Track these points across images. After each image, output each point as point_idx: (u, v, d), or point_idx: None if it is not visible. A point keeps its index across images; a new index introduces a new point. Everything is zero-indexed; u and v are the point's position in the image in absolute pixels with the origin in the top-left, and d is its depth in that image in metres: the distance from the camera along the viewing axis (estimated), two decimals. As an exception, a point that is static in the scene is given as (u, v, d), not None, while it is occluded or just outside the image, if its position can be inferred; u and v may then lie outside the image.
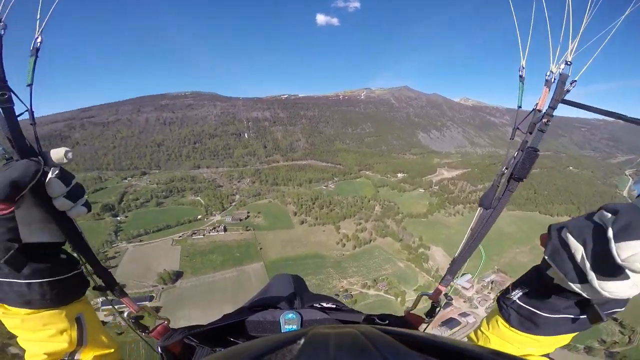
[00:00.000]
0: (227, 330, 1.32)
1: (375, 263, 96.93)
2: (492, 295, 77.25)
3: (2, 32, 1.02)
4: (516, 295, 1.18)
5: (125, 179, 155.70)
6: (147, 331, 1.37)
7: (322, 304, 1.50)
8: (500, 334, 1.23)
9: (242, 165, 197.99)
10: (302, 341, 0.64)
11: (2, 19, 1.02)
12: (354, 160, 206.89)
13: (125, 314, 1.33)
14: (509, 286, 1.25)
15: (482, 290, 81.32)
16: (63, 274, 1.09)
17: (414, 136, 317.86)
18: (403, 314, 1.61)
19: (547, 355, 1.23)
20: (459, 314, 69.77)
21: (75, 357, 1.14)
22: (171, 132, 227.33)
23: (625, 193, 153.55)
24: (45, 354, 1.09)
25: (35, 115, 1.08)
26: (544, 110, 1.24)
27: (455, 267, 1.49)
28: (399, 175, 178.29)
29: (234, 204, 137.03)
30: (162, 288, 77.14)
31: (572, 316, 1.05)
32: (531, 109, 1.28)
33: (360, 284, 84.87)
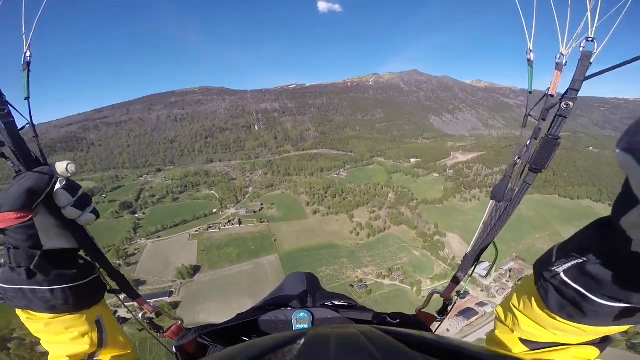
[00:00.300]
0: (240, 329, 1.34)
1: (390, 252, 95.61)
2: (511, 284, 74.85)
3: (29, 58, 1.13)
4: (562, 266, 0.83)
5: (142, 176, 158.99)
6: (161, 331, 1.42)
7: (334, 302, 1.51)
8: (534, 315, 0.97)
9: (254, 157, 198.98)
10: (302, 341, 0.64)
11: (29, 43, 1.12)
12: (365, 147, 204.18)
13: (140, 315, 1.39)
14: (551, 250, 0.91)
15: (500, 279, 78.85)
16: (83, 278, 1.14)
17: (426, 120, 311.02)
18: (415, 312, 1.57)
19: (595, 343, 0.94)
20: (476, 304, 67.89)
21: (95, 359, 1.19)
22: (183, 128, 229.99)
23: None
24: (67, 356, 1.13)
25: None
26: (560, 94, 1.13)
27: (467, 264, 1.43)
28: (412, 160, 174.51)
29: (247, 196, 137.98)
30: (181, 283, 78.24)
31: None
32: (543, 94, 1.18)
33: (375, 274, 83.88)
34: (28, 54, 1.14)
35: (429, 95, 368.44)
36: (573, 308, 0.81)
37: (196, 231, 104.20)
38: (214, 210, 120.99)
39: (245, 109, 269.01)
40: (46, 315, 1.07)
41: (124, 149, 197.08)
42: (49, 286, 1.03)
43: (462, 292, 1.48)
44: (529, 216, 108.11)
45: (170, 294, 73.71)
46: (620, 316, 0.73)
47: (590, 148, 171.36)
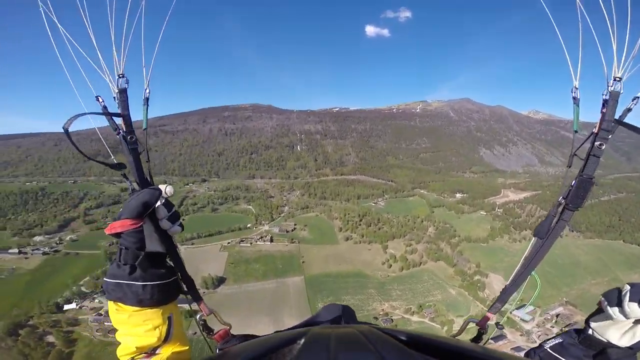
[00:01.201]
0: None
1: (424, 288, 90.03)
2: (556, 330, 68.02)
3: (126, 86, 1.42)
4: (550, 343, 1.16)
5: (187, 184, 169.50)
6: (211, 333, 1.61)
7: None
8: None
9: (293, 177, 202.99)
10: (302, 341, 0.67)
11: (123, 74, 1.41)
12: (407, 177, 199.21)
13: (198, 316, 1.64)
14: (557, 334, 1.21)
15: (545, 324, 71.75)
16: (167, 278, 1.44)
17: (476, 152, 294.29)
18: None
19: None
20: (511, 348, 60.36)
21: (157, 352, 1.40)
22: (231, 143, 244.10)
23: None
24: (136, 347, 1.35)
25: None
26: (589, 134, 1.18)
27: (505, 296, 1.50)
28: (458, 195, 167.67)
29: (282, 215, 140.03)
30: (204, 292, 78.04)
31: None
32: (589, 134, 1.20)
33: (404, 309, 79.20)
34: (148, 90, 1.47)
35: (480, 125, 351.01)
36: None
37: (228, 243, 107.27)
38: (249, 225, 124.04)
39: (290, 128, 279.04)
40: (131, 308, 1.34)
41: (175, 157, 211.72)
42: (142, 282, 1.34)
43: (500, 323, 1.57)
44: (586, 260, 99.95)
45: (191, 301, 76.24)
46: None
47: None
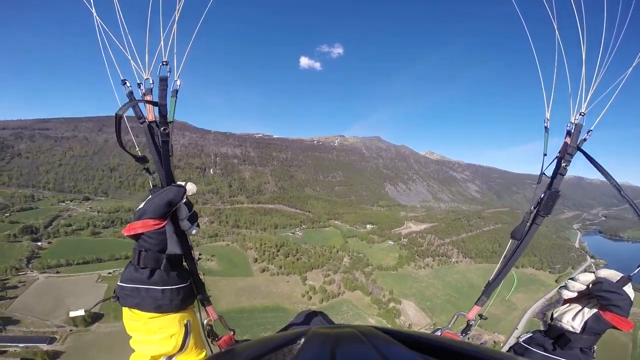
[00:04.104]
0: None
1: (344, 319, 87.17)
2: None
3: (168, 74, 1.38)
4: (523, 337, 1.46)
5: (63, 201, 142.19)
6: (217, 338, 1.51)
7: None
8: None
9: (201, 202, 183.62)
10: (301, 341, 0.65)
11: (167, 61, 1.38)
12: (323, 209, 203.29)
13: (205, 321, 1.51)
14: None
15: None
16: (184, 282, 1.33)
17: (382, 188, 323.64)
18: (439, 333, 1.70)
19: None
20: None
21: None
22: (129, 158, 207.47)
23: (576, 244, 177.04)
24: (151, 356, 1.25)
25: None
26: (553, 157, 1.45)
27: (490, 289, 1.69)
28: (368, 226, 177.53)
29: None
30: (71, 330, 65.88)
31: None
32: (554, 157, 1.46)
33: (327, 343, 73.63)
34: (178, 82, 1.40)
35: (387, 163, 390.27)
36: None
37: (110, 273, 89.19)
38: None
39: (204, 149, 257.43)
40: (146, 315, 1.23)
41: (52, 167, 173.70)
42: (162, 286, 1.23)
43: (483, 314, 1.72)
44: (479, 283, 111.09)
45: (51, 340, 61.38)
46: None
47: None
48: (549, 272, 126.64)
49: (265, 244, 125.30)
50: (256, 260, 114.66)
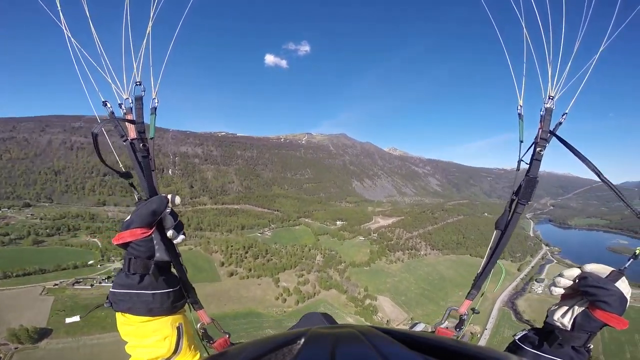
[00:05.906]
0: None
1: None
2: None
3: (142, 94, 1.45)
4: (518, 336, 1.47)
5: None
6: (211, 341, 1.54)
7: None
8: None
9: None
10: (302, 341, 0.66)
11: (140, 81, 1.44)
12: (292, 207, 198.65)
13: (198, 325, 1.56)
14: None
15: None
16: (174, 286, 1.41)
17: (349, 184, 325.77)
18: (434, 330, 1.72)
19: None
20: None
21: None
22: (77, 159, 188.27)
23: (531, 233, 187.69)
24: (147, 359, 1.31)
25: None
26: (529, 142, 1.44)
27: (479, 282, 1.67)
28: (338, 223, 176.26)
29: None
30: (16, 348, 60.61)
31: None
32: (531, 143, 1.44)
33: (307, 346, 70.24)
34: (156, 101, 1.48)
35: (353, 159, 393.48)
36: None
37: (56, 285, 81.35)
38: (91, 262, 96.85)
39: (161, 148, 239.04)
40: (139, 319, 1.29)
41: None
42: (152, 290, 1.30)
43: (475, 308, 1.70)
44: (449, 275, 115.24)
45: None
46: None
47: (486, 214, 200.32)
48: (511, 261, 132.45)
49: (231, 246, 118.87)
50: (223, 263, 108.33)
